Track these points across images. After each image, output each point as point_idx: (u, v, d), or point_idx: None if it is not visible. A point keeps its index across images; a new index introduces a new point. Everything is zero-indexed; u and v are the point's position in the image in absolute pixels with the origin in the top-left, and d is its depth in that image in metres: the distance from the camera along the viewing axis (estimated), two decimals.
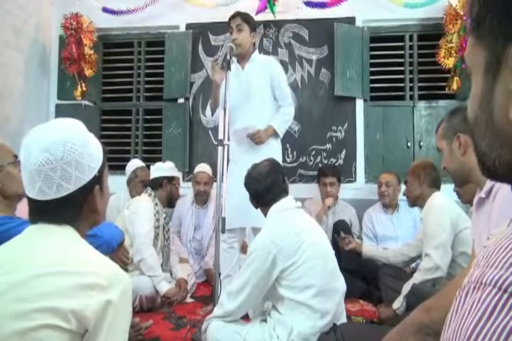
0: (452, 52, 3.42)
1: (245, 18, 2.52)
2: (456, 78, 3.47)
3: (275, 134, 2.52)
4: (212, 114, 2.49)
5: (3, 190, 1.40)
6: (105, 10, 3.82)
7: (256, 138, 2.41)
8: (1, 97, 3.44)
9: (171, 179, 2.74)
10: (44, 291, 0.73)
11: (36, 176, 0.82)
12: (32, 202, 0.85)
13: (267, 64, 2.58)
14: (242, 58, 2.51)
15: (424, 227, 2.17)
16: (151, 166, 2.85)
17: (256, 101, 2.49)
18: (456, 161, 1.33)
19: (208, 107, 2.51)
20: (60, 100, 4.01)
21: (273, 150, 2.49)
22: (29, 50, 3.79)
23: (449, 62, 3.45)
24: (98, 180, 0.90)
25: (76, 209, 0.87)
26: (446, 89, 3.55)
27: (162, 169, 2.77)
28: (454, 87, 3.47)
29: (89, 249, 0.85)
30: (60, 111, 3.92)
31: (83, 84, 3.87)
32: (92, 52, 3.84)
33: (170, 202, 2.77)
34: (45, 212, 0.85)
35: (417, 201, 2.31)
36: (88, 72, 3.86)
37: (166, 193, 2.73)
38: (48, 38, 4.01)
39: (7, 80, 3.53)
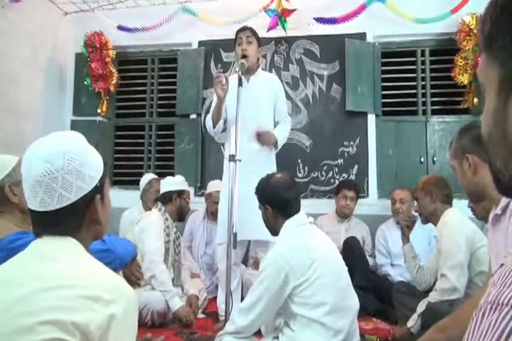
0: (467, 68, 3.43)
1: (254, 31, 2.60)
2: (472, 94, 3.46)
3: (274, 146, 2.54)
4: (214, 126, 2.49)
5: (20, 205, 1.43)
6: (121, 28, 3.93)
7: (265, 136, 2.40)
8: (18, 114, 3.54)
9: (180, 193, 2.75)
10: (48, 305, 0.73)
11: (38, 187, 0.83)
12: (34, 214, 0.86)
13: (271, 80, 2.67)
14: (248, 72, 2.53)
15: (439, 246, 2.12)
16: (161, 181, 2.88)
17: (261, 114, 2.53)
18: (468, 181, 1.33)
19: (209, 119, 2.50)
20: (75, 116, 4.10)
21: (271, 164, 2.55)
22: (46, 67, 3.91)
23: (464, 79, 3.46)
24: (99, 189, 0.91)
25: (78, 219, 0.88)
26: (462, 104, 3.54)
27: (172, 183, 2.78)
28: (471, 103, 3.46)
29: (93, 262, 0.86)
30: (76, 127, 4.01)
31: (106, 101, 3.98)
32: (114, 69, 3.98)
33: (180, 216, 2.78)
34: (47, 223, 0.85)
35: (430, 218, 2.25)
36: (112, 89, 3.99)
37: (176, 207, 2.74)
38: (64, 55, 4.13)
39: (24, 97, 3.63)
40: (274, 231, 1.74)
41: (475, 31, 3.39)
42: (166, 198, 2.72)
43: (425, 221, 2.31)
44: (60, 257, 0.82)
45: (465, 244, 1.99)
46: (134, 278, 1.51)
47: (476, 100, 3.47)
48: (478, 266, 2.01)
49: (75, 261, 0.82)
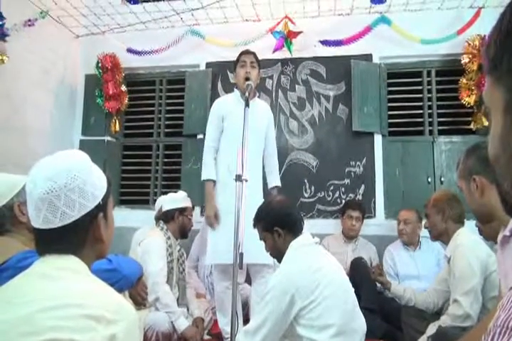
0: (472, 89, 3.46)
1: (257, 58, 2.69)
2: (480, 114, 3.48)
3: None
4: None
5: (29, 224, 1.45)
6: (130, 51, 4.04)
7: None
8: (28, 134, 3.62)
9: (182, 210, 2.74)
10: (50, 324, 0.73)
11: (41, 205, 0.85)
12: (38, 232, 0.87)
13: (266, 109, 2.81)
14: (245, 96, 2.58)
15: (451, 269, 2.06)
16: (160, 198, 2.87)
17: (258, 137, 2.62)
18: (475, 202, 1.33)
19: (203, 170, 2.60)
20: (84, 136, 4.17)
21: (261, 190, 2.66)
22: (56, 89, 4.01)
23: (471, 100, 3.49)
24: (102, 208, 0.92)
25: (81, 237, 0.89)
26: (472, 125, 3.55)
27: (173, 201, 2.77)
28: (480, 123, 3.48)
29: (95, 281, 0.86)
30: (84, 147, 4.07)
31: (118, 120, 4.08)
32: (125, 90, 4.10)
33: (183, 233, 2.76)
34: (50, 241, 0.86)
35: (440, 236, 2.20)
36: (123, 109, 4.11)
37: (179, 225, 2.73)
38: (74, 77, 4.24)
39: (34, 117, 3.72)
40: (281, 257, 1.73)
41: (479, 52, 3.44)
42: (168, 216, 2.71)
43: (435, 238, 2.25)
44: (63, 276, 0.82)
45: (479, 268, 1.95)
46: (139, 298, 1.51)
47: (484, 120, 3.48)
48: (491, 291, 1.96)
49: (78, 281, 0.83)
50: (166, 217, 2.72)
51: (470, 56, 3.50)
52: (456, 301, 1.94)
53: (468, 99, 3.49)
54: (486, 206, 1.31)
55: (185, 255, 2.77)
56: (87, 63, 4.14)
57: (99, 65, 4.02)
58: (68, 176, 0.86)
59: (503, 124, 0.46)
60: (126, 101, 4.10)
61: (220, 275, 2.51)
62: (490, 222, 1.41)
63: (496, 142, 0.47)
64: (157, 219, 2.78)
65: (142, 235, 3.05)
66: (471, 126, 3.56)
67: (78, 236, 0.88)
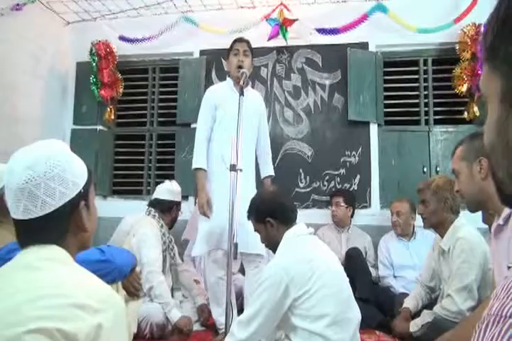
0: (465, 78, 3.46)
1: (250, 46, 2.66)
2: (472, 104, 3.48)
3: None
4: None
5: None
6: (122, 38, 3.98)
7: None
8: (19, 123, 3.57)
9: (178, 204, 2.81)
10: (36, 314, 0.73)
11: (20, 195, 0.83)
12: (18, 224, 0.86)
13: (259, 98, 2.79)
14: (238, 85, 2.55)
15: (448, 262, 2.06)
16: (158, 186, 2.88)
17: (251, 128, 2.61)
18: (474, 185, 1.31)
19: (194, 159, 2.58)
20: (75, 125, 4.13)
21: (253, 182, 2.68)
22: (47, 76, 3.95)
23: (463, 89, 3.49)
24: (84, 196, 0.91)
25: (63, 226, 0.88)
26: (466, 114, 3.56)
27: (173, 193, 2.80)
28: (472, 113, 3.49)
29: (80, 271, 0.86)
30: (76, 136, 4.04)
31: (113, 109, 4.04)
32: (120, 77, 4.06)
33: (171, 226, 2.82)
34: (32, 232, 0.85)
35: (436, 226, 2.17)
36: (117, 97, 4.07)
37: (172, 218, 2.78)
38: (65, 64, 4.18)
39: (24, 105, 3.67)
40: (276, 247, 1.74)
41: (473, 41, 3.42)
42: (165, 207, 2.73)
43: (428, 227, 2.22)
44: (47, 266, 0.82)
45: (477, 265, 1.94)
46: (133, 289, 1.51)
47: (476, 110, 3.48)
48: (487, 289, 1.95)
49: (62, 271, 0.82)
50: (162, 206, 2.73)
51: (464, 45, 3.48)
52: (449, 296, 1.94)
53: (461, 88, 3.50)
54: (484, 191, 1.29)
55: (173, 240, 2.80)
56: (79, 51, 4.07)
57: (94, 52, 3.96)
58: (47, 164, 0.85)
59: (499, 113, 0.46)
60: (120, 89, 4.05)
61: (213, 266, 2.52)
62: (480, 210, 1.41)
63: (492, 130, 0.47)
64: (153, 206, 2.77)
65: (129, 225, 3.05)
66: (464, 116, 3.56)
67: (60, 226, 0.87)
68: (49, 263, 0.83)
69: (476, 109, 3.48)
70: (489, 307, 0.40)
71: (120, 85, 4.06)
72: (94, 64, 3.97)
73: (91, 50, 3.96)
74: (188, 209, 3.58)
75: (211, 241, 2.44)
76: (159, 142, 4.15)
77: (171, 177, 3.89)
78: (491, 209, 1.33)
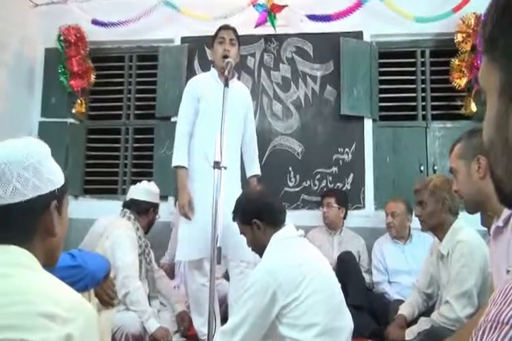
0: (464, 71, 3.51)
1: (237, 34, 2.66)
2: (469, 99, 3.53)
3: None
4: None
5: None
6: (95, 22, 3.93)
7: None
8: None
9: (156, 206, 2.79)
10: (1, 324, 0.72)
11: None
12: None
13: (245, 91, 2.79)
14: (223, 75, 2.52)
15: (447, 267, 2.07)
16: (133, 186, 2.86)
17: (237, 123, 2.61)
18: (472, 185, 1.33)
19: (174, 156, 2.58)
20: (44, 117, 4.07)
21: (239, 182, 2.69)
22: (13, 64, 3.89)
23: (462, 83, 3.54)
24: (57, 197, 0.92)
25: (30, 224, 0.88)
26: (463, 110, 3.61)
27: (151, 194, 2.78)
28: (469, 109, 3.53)
29: (48, 277, 0.85)
30: (44, 130, 3.98)
31: (83, 100, 3.99)
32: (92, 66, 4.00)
33: (148, 230, 2.79)
34: None
35: (435, 229, 2.19)
36: (89, 88, 4.01)
37: (148, 220, 2.76)
38: (33, 51, 4.11)
39: None
40: (263, 251, 1.74)
41: (473, 32, 3.46)
42: (142, 209, 2.72)
43: (427, 229, 2.24)
44: (13, 272, 0.81)
45: (478, 270, 1.96)
46: (106, 297, 1.50)
47: (473, 105, 3.54)
48: (487, 295, 1.94)
49: (29, 277, 0.82)
50: (139, 209, 2.71)
51: (464, 35, 3.51)
52: (448, 303, 1.97)
53: (459, 82, 3.54)
54: (482, 191, 1.31)
55: (149, 245, 2.78)
56: (47, 36, 4.00)
57: (62, 38, 3.89)
58: (23, 153, 0.88)
59: (498, 107, 0.46)
60: (92, 79, 4.00)
61: (194, 272, 2.51)
62: (479, 211, 1.43)
63: (491, 126, 0.47)
64: (128, 207, 2.75)
65: (102, 227, 3.02)
66: (462, 112, 3.61)
67: (27, 222, 0.87)
68: (15, 269, 0.82)
69: (473, 104, 3.53)
70: (486, 313, 0.40)
71: (92, 75, 4.00)
72: (62, 51, 3.91)
73: (59, 35, 3.90)
74: (167, 211, 3.57)
75: (194, 250, 2.43)
76: (136, 137, 4.12)
77: (148, 175, 3.88)
78: (490, 211, 1.35)
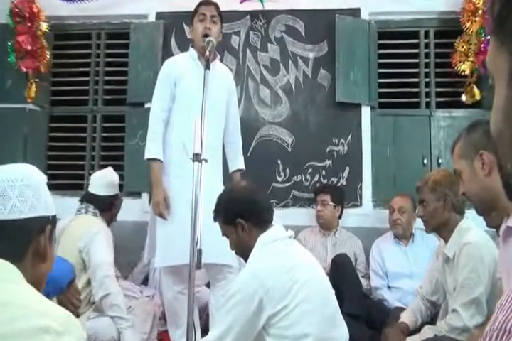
0: (469, 55, 3.52)
1: (219, 10, 2.66)
2: (473, 85, 3.56)
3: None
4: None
5: None
6: None
7: None
8: None
9: (117, 198, 2.82)
10: None
11: None
12: None
13: (228, 75, 2.79)
14: (204, 57, 2.49)
15: (453, 271, 2.09)
16: (93, 176, 2.87)
17: (219, 110, 2.61)
18: (478, 184, 1.34)
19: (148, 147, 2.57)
20: None
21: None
22: None
23: (466, 68, 3.56)
24: (51, 223, 1.03)
25: (24, 244, 0.98)
26: (463, 98, 3.64)
27: (112, 185, 2.79)
28: (472, 96, 3.56)
29: (35, 292, 0.92)
30: None
31: (36, 84, 3.90)
32: (47, 44, 3.91)
33: (110, 224, 2.80)
34: None
35: (439, 229, 2.20)
36: (44, 69, 3.91)
37: (112, 215, 2.78)
38: None
39: None
40: (248, 255, 1.74)
41: (482, 9, 3.47)
42: (106, 203, 2.73)
43: (431, 230, 2.26)
44: (4, 285, 0.89)
45: (487, 275, 1.97)
46: (71, 306, 1.49)
47: (477, 92, 3.57)
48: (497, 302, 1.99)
49: (22, 290, 0.90)
50: (102, 204, 2.71)
51: (469, 14, 3.53)
52: (455, 311, 1.98)
53: (464, 67, 3.56)
54: (490, 189, 1.32)
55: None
56: (8, 9, 3.90)
57: (12, 12, 3.80)
58: (25, 173, 1.01)
59: (506, 94, 0.46)
60: (47, 59, 3.91)
61: (170, 278, 2.51)
62: (491, 211, 1.44)
63: (499, 115, 0.48)
64: (90, 202, 2.72)
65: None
66: (464, 99, 3.64)
67: (21, 241, 0.97)
68: (7, 285, 0.89)
69: (476, 91, 3.56)
70: (492, 320, 0.41)
71: (46, 54, 3.91)
72: (13, 27, 3.82)
73: (10, 10, 3.81)
74: (141, 209, 3.55)
75: (171, 254, 2.42)
76: (105, 125, 4.09)
77: (119, 168, 3.83)
78: (500, 209, 1.36)
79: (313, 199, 3.46)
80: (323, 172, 3.69)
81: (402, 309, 2.57)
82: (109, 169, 2.89)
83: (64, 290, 1.46)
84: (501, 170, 0.50)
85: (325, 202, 3.32)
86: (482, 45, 3.49)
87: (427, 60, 3.85)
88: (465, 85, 3.65)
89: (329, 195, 3.33)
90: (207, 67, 2.23)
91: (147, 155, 2.54)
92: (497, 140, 0.49)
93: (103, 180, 2.79)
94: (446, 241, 2.16)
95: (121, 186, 3.30)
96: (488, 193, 1.34)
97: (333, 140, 3.71)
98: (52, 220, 1.06)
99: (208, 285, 2.84)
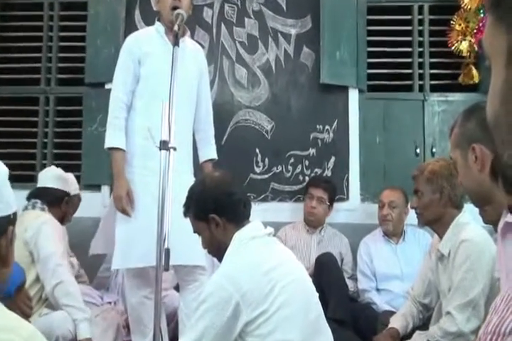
0: (467, 34, 3.56)
1: None
2: (471, 67, 3.60)
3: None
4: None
5: None
6: None
7: None
8: None
9: (69, 196, 2.84)
10: None
11: None
12: None
13: (199, 53, 2.80)
14: (173, 32, 2.47)
15: (448, 270, 2.12)
16: (43, 172, 2.91)
17: (189, 91, 2.61)
18: (472, 179, 1.36)
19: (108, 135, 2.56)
20: None
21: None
22: None
23: (463, 48, 3.59)
24: (12, 223, 1.04)
25: None
26: (460, 80, 3.68)
27: (63, 180, 2.84)
28: (470, 78, 3.60)
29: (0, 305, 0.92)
30: None
31: None
32: None
33: (61, 224, 2.80)
34: None
35: (432, 223, 2.23)
36: None
37: (62, 213, 2.80)
38: None
39: None
40: (223, 254, 1.74)
41: None
42: (52, 197, 2.75)
43: (424, 224, 2.30)
44: None
45: (485, 274, 2.00)
46: (21, 314, 1.47)
47: (476, 75, 3.62)
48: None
49: None
50: (50, 198, 2.73)
51: None
52: (449, 314, 2.01)
53: (460, 46, 3.60)
54: (484, 184, 1.34)
55: None
56: None
57: None
58: None
59: (505, 77, 0.47)
60: None
61: (134, 282, 2.50)
62: (487, 205, 1.47)
63: (496, 99, 0.48)
64: (37, 196, 2.74)
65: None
66: (461, 82, 3.69)
67: None
68: None
69: (474, 73, 3.61)
70: (486, 322, 0.42)
71: None
72: None
73: None
74: (101, 204, 3.51)
75: (135, 255, 2.41)
76: (59, 108, 4.03)
77: (75, 158, 3.81)
78: (495, 204, 1.39)
79: (305, 193, 3.44)
80: (306, 163, 3.71)
81: (391, 313, 2.60)
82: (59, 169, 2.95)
83: (13, 296, 1.44)
84: (496, 158, 0.51)
85: (322, 200, 3.32)
86: (481, 24, 3.52)
87: (420, 39, 3.87)
88: (462, 66, 3.69)
89: (327, 194, 3.33)
90: (176, 43, 2.22)
91: (108, 144, 2.52)
92: (493, 127, 0.49)
93: (52, 172, 2.84)
94: (440, 237, 2.19)
95: (78, 178, 3.28)
96: (482, 188, 1.36)
97: (317, 126, 3.73)
98: (14, 219, 1.05)
99: (177, 288, 2.83)
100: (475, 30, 3.56)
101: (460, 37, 3.60)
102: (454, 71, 3.80)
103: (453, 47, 3.63)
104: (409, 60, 3.88)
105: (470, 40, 3.57)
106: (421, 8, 3.89)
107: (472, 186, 1.39)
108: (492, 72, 0.49)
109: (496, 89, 0.48)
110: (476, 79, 3.61)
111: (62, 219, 2.83)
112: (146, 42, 2.60)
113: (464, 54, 3.62)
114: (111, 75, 2.66)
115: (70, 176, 2.94)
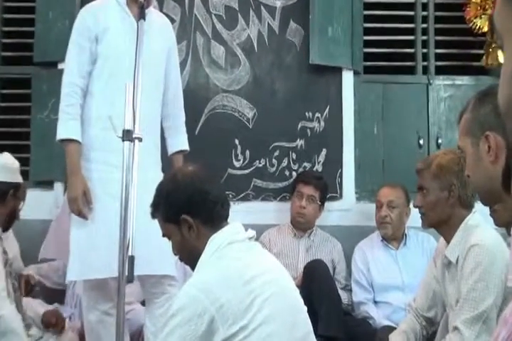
0: (487, 7, 3.57)
1: None
2: (495, 46, 3.62)
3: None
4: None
5: None
6: None
7: None
8: None
9: (17, 188, 2.73)
10: None
11: None
12: None
13: (167, 27, 2.80)
14: (137, 3, 2.47)
15: (456, 278, 2.14)
16: None
17: (154, 74, 2.60)
18: (482, 171, 1.36)
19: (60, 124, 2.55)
20: None
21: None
22: None
23: (483, 23, 3.60)
24: None
25: None
26: (482, 61, 3.69)
27: (8, 170, 2.73)
28: (494, 59, 3.62)
29: None
30: None
31: None
32: None
33: (10, 223, 2.77)
34: None
35: (438, 225, 2.24)
36: None
37: (9, 210, 2.72)
38: None
39: None
40: (196, 261, 1.74)
41: None
42: None
43: (429, 226, 2.31)
44: None
45: (498, 284, 2.00)
46: None
47: (500, 55, 3.63)
48: None
49: None
50: None
51: None
52: (457, 330, 2.02)
53: (480, 22, 3.62)
54: (496, 179, 1.35)
55: (7, 252, 2.74)
56: None
57: None
58: None
59: None
60: None
61: (92, 295, 2.49)
62: (497, 203, 1.48)
63: (509, 82, 0.48)
64: None
65: None
66: (482, 63, 3.71)
67: None
68: None
69: (498, 53, 3.62)
70: (495, 336, 0.42)
71: None
72: None
73: None
74: (53, 204, 3.48)
75: (93, 265, 2.40)
76: (4, 92, 4.01)
77: (24, 150, 3.77)
78: (506, 202, 1.40)
79: (292, 190, 3.45)
80: (294, 156, 3.71)
81: (391, 329, 2.62)
82: (5, 154, 2.82)
83: None
84: (509, 148, 0.51)
85: (313, 199, 3.33)
86: None
87: (424, 13, 3.89)
88: (485, 46, 3.69)
89: (319, 192, 3.34)
90: (141, 16, 2.20)
91: (60, 135, 2.50)
92: (505, 113, 0.50)
93: None
94: (447, 242, 2.20)
95: (26, 173, 3.24)
96: (493, 183, 1.36)
97: (306, 114, 3.73)
98: None
99: (143, 302, 2.83)
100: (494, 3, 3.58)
101: (480, 11, 3.60)
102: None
103: (471, 24, 3.62)
104: (411, 37, 3.90)
105: (490, 15, 3.57)
106: None
107: (482, 180, 1.39)
108: (504, 53, 0.50)
109: (507, 71, 0.49)
110: (502, 60, 3.61)
111: (10, 219, 2.75)
112: (104, 15, 2.57)
113: (484, 30, 3.62)
114: (64, 53, 2.64)
115: (13, 162, 2.80)
